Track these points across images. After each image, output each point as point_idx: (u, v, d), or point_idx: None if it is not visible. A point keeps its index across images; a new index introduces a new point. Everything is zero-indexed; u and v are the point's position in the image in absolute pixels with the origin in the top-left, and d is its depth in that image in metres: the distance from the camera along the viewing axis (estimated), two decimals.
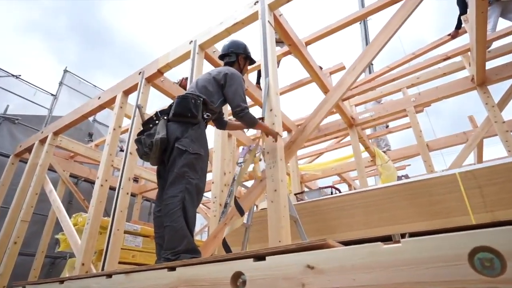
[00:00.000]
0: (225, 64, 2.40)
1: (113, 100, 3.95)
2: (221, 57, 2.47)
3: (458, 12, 4.22)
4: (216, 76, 2.13)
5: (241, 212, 2.01)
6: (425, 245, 0.75)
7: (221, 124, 2.44)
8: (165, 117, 1.91)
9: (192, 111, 1.86)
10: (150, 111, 5.54)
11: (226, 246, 1.95)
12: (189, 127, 1.86)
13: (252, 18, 2.80)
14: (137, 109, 2.32)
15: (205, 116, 2.00)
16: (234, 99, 2.07)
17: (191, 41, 3.23)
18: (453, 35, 4.37)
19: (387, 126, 6.56)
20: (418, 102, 4.43)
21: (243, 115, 2.02)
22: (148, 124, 1.94)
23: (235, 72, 2.19)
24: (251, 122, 2.05)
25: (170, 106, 1.98)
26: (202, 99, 1.95)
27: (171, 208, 1.67)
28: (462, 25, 4.27)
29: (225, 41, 2.52)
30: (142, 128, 1.96)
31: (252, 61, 2.51)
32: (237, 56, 2.39)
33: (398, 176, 4.66)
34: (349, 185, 7.67)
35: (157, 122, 1.92)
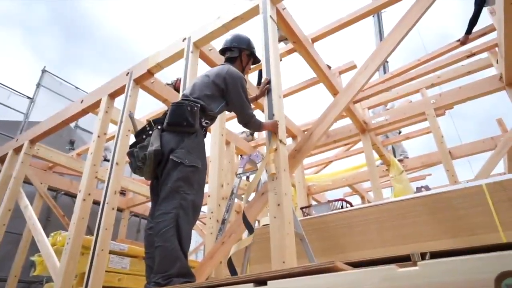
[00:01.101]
0: (226, 60, 2.43)
1: (97, 104, 3.98)
2: (222, 51, 2.50)
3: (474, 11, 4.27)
4: (215, 80, 2.16)
5: (250, 229, 2.00)
6: (447, 268, 0.75)
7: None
8: (159, 127, 1.94)
9: (188, 120, 1.88)
10: (140, 115, 5.57)
11: (231, 268, 1.94)
12: (185, 137, 1.88)
13: (253, 12, 2.84)
14: (128, 117, 2.34)
15: (203, 123, 2.02)
16: (240, 109, 2.15)
17: (185, 38, 3.28)
18: (463, 41, 4.42)
19: (399, 132, 6.58)
20: (439, 104, 4.45)
21: (251, 123, 2.15)
22: (141, 135, 1.96)
23: (235, 73, 2.21)
24: (258, 127, 2.18)
25: (165, 114, 2.01)
26: (199, 105, 1.98)
27: (163, 227, 1.67)
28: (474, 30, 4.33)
29: (227, 35, 2.56)
30: (135, 139, 1.99)
31: (256, 60, 2.54)
32: (240, 52, 2.42)
33: (417, 188, 4.63)
34: (362, 198, 7.65)
35: (150, 132, 1.94)
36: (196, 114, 1.93)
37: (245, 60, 2.45)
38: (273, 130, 2.21)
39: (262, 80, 2.41)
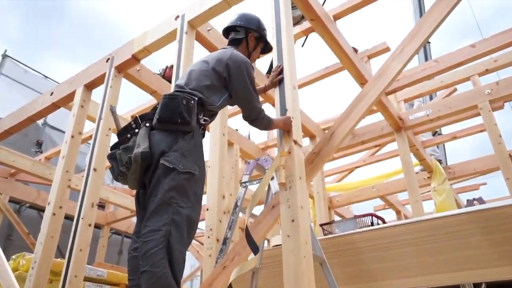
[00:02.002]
0: (230, 43, 2.47)
1: (71, 96, 4.04)
2: (226, 32, 2.54)
3: None
4: (216, 67, 2.18)
5: (255, 250, 2.02)
6: None
7: None
8: (148, 124, 1.95)
9: (183, 116, 1.89)
10: (123, 111, 5.64)
11: None
12: (179, 137, 1.89)
13: None
14: (110, 112, 2.38)
15: (201, 121, 2.04)
16: (246, 102, 2.19)
17: (178, 16, 3.32)
18: None
19: (434, 134, 6.54)
20: (496, 95, 4.42)
21: (259, 120, 2.20)
22: (125, 133, 1.97)
23: (239, 57, 2.24)
24: (267, 124, 2.23)
25: (154, 109, 2.03)
26: (197, 98, 2.00)
27: (151, 247, 1.68)
28: None
29: (232, 15, 2.58)
30: (118, 138, 2.01)
31: (267, 46, 2.57)
32: (247, 33, 2.45)
33: (468, 200, 4.60)
34: (397, 213, 7.62)
35: (136, 130, 1.95)
36: (193, 109, 1.94)
37: (252, 43, 2.47)
38: (285, 129, 2.22)
39: (273, 68, 2.43)
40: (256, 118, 2.20)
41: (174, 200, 1.77)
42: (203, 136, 2.13)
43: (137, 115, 2.03)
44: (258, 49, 2.53)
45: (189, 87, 2.09)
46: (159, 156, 1.85)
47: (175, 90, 2.10)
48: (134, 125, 1.98)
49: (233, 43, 2.45)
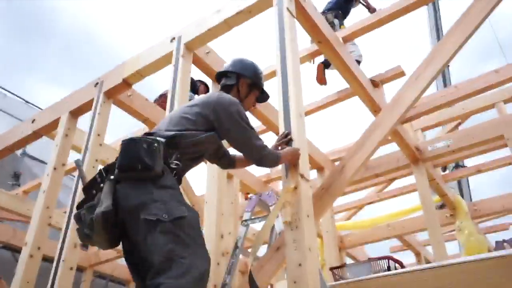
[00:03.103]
0: (221, 89, 2.48)
1: (54, 124, 4.07)
2: (218, 78, 2.58)
3: None
4: (201, 110, 2.15)
5: None
6: None
7: (226, 161, 2.51)
8: (112, 176, 1.86)
9: (144, 161, 1.81)
10: (113, 139, 5.68)
11: None
12: (148, 185, 1.83)
13: (264, 3, 2.96)
14: (76, 166, 2.29)
15: (172, 165, 1.97)
16: (245, 142, 2.17)
17: (174, 38, 3.40)
18: None
19: (456, 166, 6.55)
20: None
21: (265, 158, 2.18)
22: (91, 189, 1.90)
23: (227, 98, 2.22)
24: (276, 160, 2.21)
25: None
26: (163, 140, 1.94)
27: None
28: None
29: (228, 60, 2.62)
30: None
31: (263, 96, 2.61)
32: (238, 79, 2.46)
33: (497, 242, 4.56)
34: (417, 255, 7.51)
35: (102, 185, 1.87)
36: (155, 152, 1.87)
37: (244, 90, 2.46)
38: (293, 162, 2.23)
39: (280, 134, 2.43)
40: (261, 157, 2.18)
41: (175, 254, 1.67)
42: (179, 183, 2.04)
43: (102, 167, 1.94)
44: (252, 96, 2.51)
45: (161, 131, 2.07)
46: (134, 212, 1.78)
47: (147, 134, 2.06)
48: (99, 179, 1.90)
49: (224, 89, 2.45)
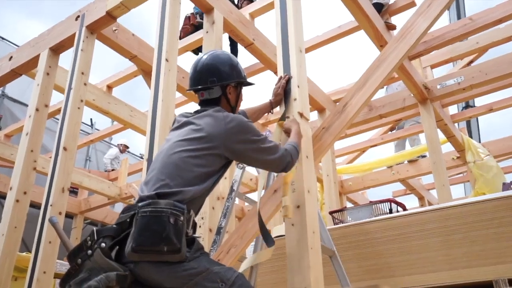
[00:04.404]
0: (202, 103, 2.19)
1: (34, 62, 4.01)
2: (194, 89, 2.23)
3: None
4: (212, 151, 1.94)
5: (270, 242, 1.97)
6: None
7: None
8: (103, 243, 1.64)
9: (172, 242, 1.62)
10: (97, 79, 5.60)
11: None
12: (176, 268, 1.67)
13: None
14: (51, 225, 1.99)
15: (189, 233, 1.78)
16: (269, 163, 2.07)
17: None
18: None
19: (466, 107, 6.55)
20: None
21: (289, 160, 2.06)
22: (75, 258, 1.68)
23: (237, 128, 1.99)
24: (297, 153, 2.12)
25: (121, 224, 1.73)
26: (185, 208, 1.73)
27: None
28: None
29: (196, 61, 2.25)
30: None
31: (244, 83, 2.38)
32: (224, 89, 2.18)
33: (504, 184, 4.66)
34: (420, 199, 7.69)
35: (89, 253, 1.65)
36: (182, 228, 1.69)
37: (233, 96, 2.22)
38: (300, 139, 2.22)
39: (278, 76, 2.37)
40: (286, 166, 2.05)
41: None
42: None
43: (94, 229, 1.71)
44: (240, 94, 2.28)
45: (173, 183, 1.83)
46: None
47: (149, 195, 1.77)
48: (89, 242, 1.67)
49: (207, 104, 2.16)
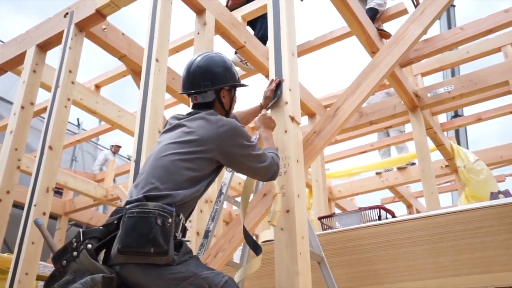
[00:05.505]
0: (195, 107, 2.17)
1: (20, 59, 3.97)
2: (187, 93, 2.22)
3: None
4: (204, 154, 1.92)
5: (257, 250, 1.95)
6: None
7: None
8: (89, 245, 1.62)
9: (158, 243, 1.60)
10: (86, 77, 5.56)
11: None
12: (162, 271, 1.64)
13: None
14: (36, 227, 1.95)
15: (178, 238, 1.75)
16: (256, 173, 2.07)
17: None
18: None
19: (455, 116, 6.63)
20: None
21: (276, 171, 2.05)
22: (60, 260, 1.67)
23: (230, 131, 1.99)
24: (277, 159, 2.11)
25: (108, 226, 1.71)
26: (174, 210, 1.71)
27: None
28: None
29: (189, 62, 2.23)
30: None
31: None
32: (218, 93, 2.16)
33: (492, 193, 4.70)
34: (409, 206, 7.74)
35: (74, 255, 1.64)
36: (170, 230, 1.65)
37: (227, 99, 2.20)
38: (269, 128, 2.24)
39: (269, 79, 2.38)
40: (273, 174, 2.05)
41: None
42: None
43: (81, 230, 1.68)
44: (234, 96, 2.27)
45: (163, 187, 1.81)
46: None
47: (144, 196, 1.75)
48: (75, 243, 1.65)
49: (201, 107, 2.14)
